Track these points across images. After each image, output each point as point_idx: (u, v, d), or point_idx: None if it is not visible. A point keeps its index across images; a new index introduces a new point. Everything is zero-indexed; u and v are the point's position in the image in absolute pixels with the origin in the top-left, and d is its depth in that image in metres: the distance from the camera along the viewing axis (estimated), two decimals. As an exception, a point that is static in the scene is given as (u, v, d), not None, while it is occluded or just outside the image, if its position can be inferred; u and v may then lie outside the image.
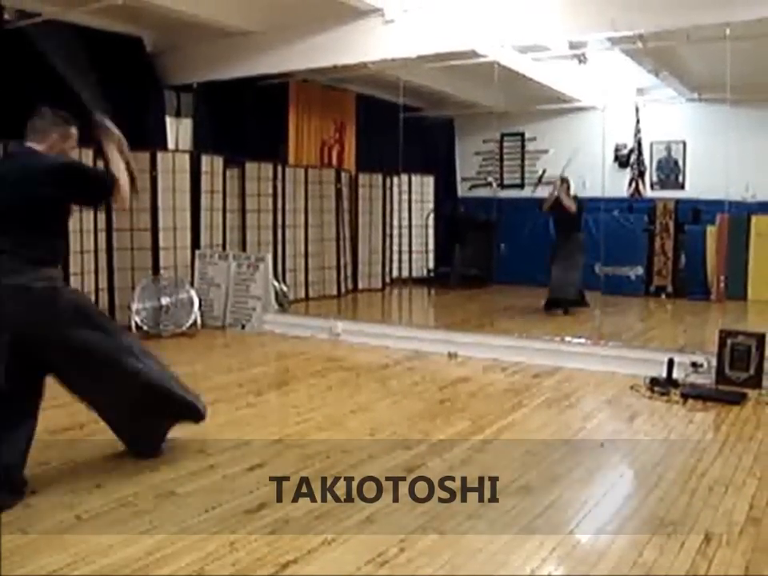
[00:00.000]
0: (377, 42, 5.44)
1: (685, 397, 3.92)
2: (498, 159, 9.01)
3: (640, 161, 8.13)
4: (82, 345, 2.54)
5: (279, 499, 2.51)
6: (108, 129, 2.81)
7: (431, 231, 8.87)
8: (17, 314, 2.40)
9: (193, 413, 2.88)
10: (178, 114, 6.78)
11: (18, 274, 2.41)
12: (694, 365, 4.26)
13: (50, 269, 2.53)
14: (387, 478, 2.72)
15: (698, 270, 7.51)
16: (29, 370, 2.49)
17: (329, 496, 2.55)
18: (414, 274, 8.71)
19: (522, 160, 8.98)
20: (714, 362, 4.23)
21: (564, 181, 6.96)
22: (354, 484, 2.66)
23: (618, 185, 8.08)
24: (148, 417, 2.79)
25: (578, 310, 6.82)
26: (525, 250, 7.26)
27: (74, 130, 2.73)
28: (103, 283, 5.80)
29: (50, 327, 2.48)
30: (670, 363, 4.18)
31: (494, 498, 2.53)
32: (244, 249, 6.86)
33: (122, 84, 6.14)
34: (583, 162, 8.08)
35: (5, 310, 2.40)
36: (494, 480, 2.70)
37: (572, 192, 6.91)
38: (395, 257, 8.57)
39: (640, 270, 7.84)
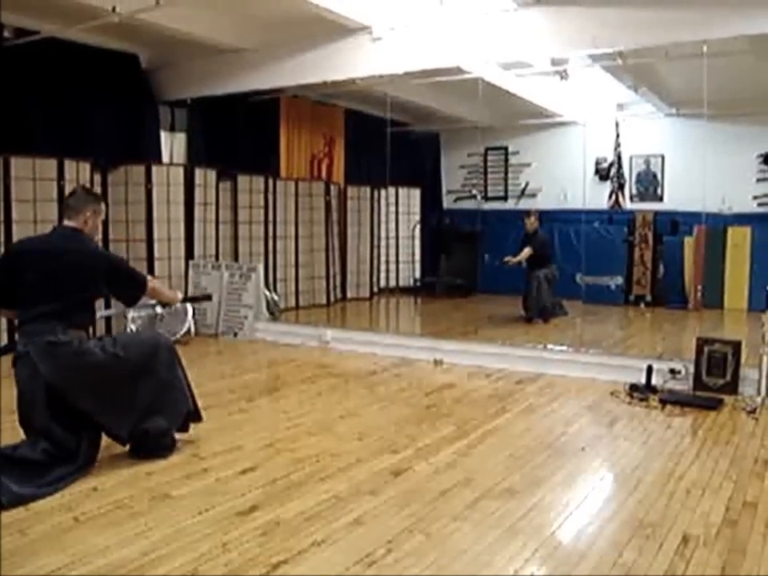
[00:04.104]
0: (365, 59, 5.55)
1: (663, 402, 4.00)
2: (482, 172, 9.14)
3: (620, 174, 8.27)
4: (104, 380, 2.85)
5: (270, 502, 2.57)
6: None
7: (417, 242, 8.96)
8: (48, 367, 2.70)
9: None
10: (172, 129, 6.88)
11: (50, 334, 2.72)
12: (672, 371, 4.36)
13: (79, 331, 2.82)
14: (375, 482, 2.78)
15: (676, 279, 7.64)
16: (68, 414, 2.76)
17: (318, 499, 2.60)
18: (401, 283, 8.79)
19: (506, 173, 9.11)
20: (692, 369, 4.32)
21: (531, 214, 7.19)
22: (343, 487, 2.71)
23: (598, 197, 8.23)
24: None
25: (560, 319, 6.96)
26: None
27: (103, 206, 3.03)
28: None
29: (75, 376, 2.76)
30: (649, 370, 4.27)
31: (478, 501, 2.59)
32: (236, 259, 6.93)
33: (118, 99, 6.25)
34: (565, 175, 8.24)
35: (40, 364, 2.70)
36: (478, 483, 2.77)
37: (535, 221, 7.12)
38: (383, 267, 8.64)
39: (620, 280, 7.95)
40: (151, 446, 2.97)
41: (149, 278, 3.13)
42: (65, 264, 2.78)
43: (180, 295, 3.38)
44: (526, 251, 6.97)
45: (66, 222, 2.90)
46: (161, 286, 3.31)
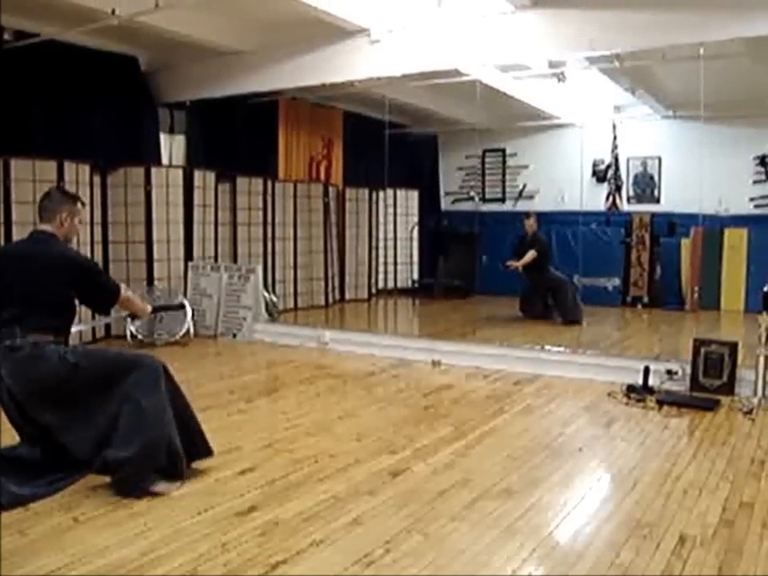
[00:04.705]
0: (363, 61, 5.56)
1: (660, 403, 4.02)
2: (480, 174, 9.18)
3: (617, 176, 8.30)
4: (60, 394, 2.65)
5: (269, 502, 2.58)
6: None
7: (415, 243, 9.01)
8: (7, 371, 2.61)
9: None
10: (171, 131, 6.90)
11: (9, 338, 2.62)
12: (669, 372, 4.38)
13: (42, 336, 2.65)
14: (373, 482, 2.79)
15: (673, 281, 7.68)
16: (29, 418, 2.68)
17: (317, 499, 2.61)
18: (399, 284, 8.82)
19: (503, 175, 9.15)
20: (689, 370, 4.34)
21: (530, 215, 7.22)
22: (342, 487, 2.73)
23: (595, 199, 8.26)
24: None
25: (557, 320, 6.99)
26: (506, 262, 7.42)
27: (80, 207, 2.89)
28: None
29: (28, 382, 2.62)
30: (646, 371, 4.30)
31: (476, 501, 2.60)
32: (235, 260, 6.95)
33: (117, 102, 6.29)
34: (562, 176, 8.27)
35: (2, 369, 2.61)
36: (476, 483, 2.78)
37: (534, 222, 7.15)
38: (381, 268, 8.69)
39: (617, 281, 7.98)
40: (113, 479, 2.62)
41: (123, 287, 2.91)
42: (29, 268, 2.69)
43: (149, 308, 3.16)
44: (531, 255, 6.93)
45: (41, 226, 2.79)
46: (134, 297, 3.07)
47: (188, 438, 2.76)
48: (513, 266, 7.03)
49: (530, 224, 7.14)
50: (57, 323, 2.72)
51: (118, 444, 2.57)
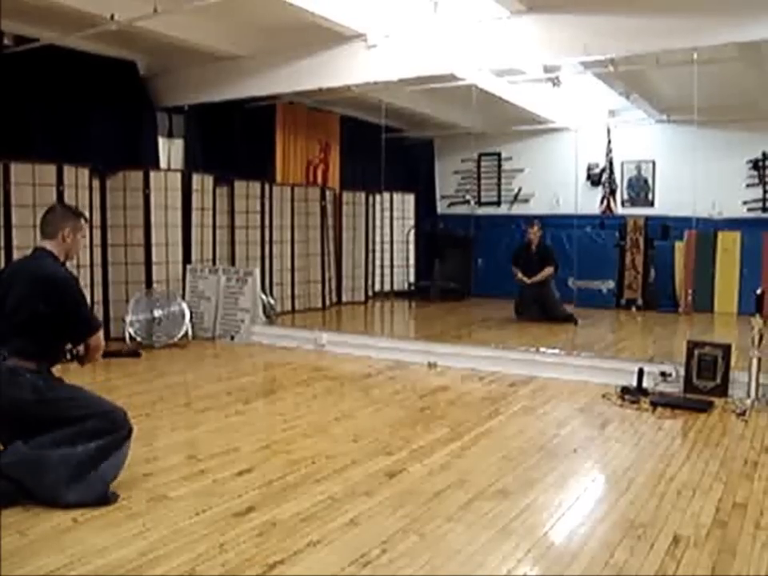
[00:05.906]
0: (360, 66, 5.60)
1: (654, 405, 4.04)
2: (475, 178, 9.22)
3: (611, 179, 8.34)
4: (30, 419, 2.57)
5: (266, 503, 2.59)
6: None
7: (412, 247, 9.04)
8: None
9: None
10: (170, 135, 6.92)
11: None
12: (663, 374, 4.40)
13: (23, 361, 2.57)
14: (369, 483, 2.81)
15: (667, 283, 7.71)
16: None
17: (314, 500, 2.63)
18: (396, 287, 8.86)
19: (499, 179, 9.19)
20: (682, 372, 4.36)
21: (534, 224, 7.25)
22: (338, 488, 2.74)
23: (590, 202, 8.31)
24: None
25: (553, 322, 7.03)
26: (501, 265, 7.45)
27: (83, 222, 2.85)
28: (98, 296, 5.90)
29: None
30: (640, 373, 4.32)
31: (471, 502, 2.62)
32: (233, 263, 6.97)
33: (116, 106, 6.32)
34: (557, 180, 8.32)
35: None
36: (471, 484, 2.80)
37: (538, 231, 7.19)
38: (377, 271, 8.71)
39: (611, 284, 8.00)
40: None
41: (101, 333, 2.78)
42: (13, 285, 2.63)
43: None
44: (549, 271, 7.01)
45: (41, 242, 2.73)
46: (102, 345, 2.81)
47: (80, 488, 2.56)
48: (528, 282, 7.03)
49: (534, 232, 7.17)
50: (37, 348, 2.60)
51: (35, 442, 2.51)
